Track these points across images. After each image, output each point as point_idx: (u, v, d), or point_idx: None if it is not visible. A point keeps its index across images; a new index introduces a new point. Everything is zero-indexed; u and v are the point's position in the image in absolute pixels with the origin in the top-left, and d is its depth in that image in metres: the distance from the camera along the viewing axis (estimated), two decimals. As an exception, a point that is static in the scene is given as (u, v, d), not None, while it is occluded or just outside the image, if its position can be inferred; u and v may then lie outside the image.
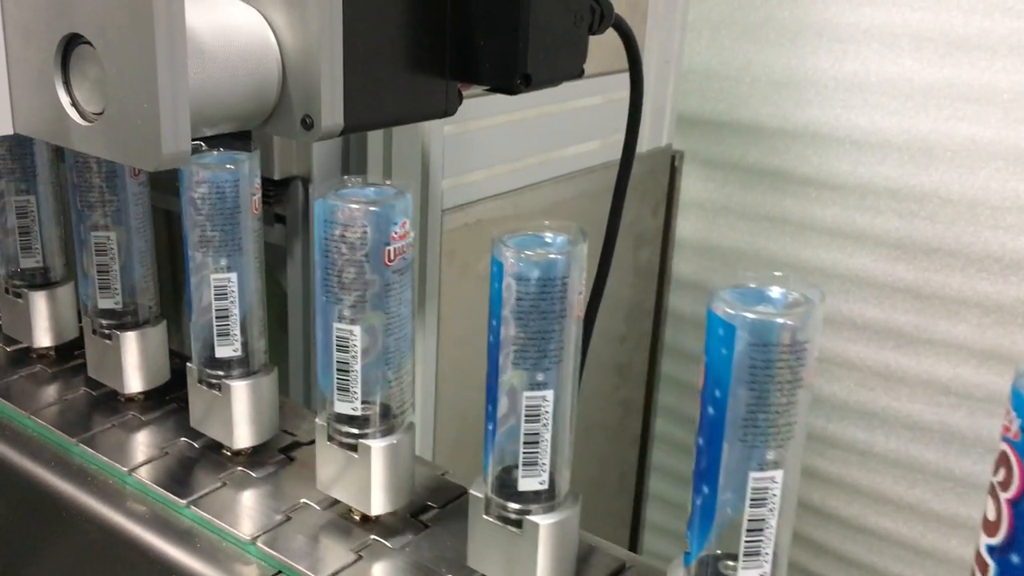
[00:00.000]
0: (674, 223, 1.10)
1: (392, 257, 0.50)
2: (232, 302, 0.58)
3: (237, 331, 0.59)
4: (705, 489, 0.41)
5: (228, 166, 0.57)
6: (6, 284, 0.71)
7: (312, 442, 0.61)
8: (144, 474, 0.59)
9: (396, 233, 0.50)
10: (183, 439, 0.62)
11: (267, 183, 0.72)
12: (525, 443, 0.46)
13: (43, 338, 0.70)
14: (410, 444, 0.55)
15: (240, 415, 0.59)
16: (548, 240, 0.46)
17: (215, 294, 0.57)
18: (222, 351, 0.59)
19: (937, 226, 0.91)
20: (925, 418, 0.96)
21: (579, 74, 0.58)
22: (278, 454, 0.61)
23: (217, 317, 0.58)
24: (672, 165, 1.07)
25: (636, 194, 0.95)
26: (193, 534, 0.55)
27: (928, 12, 0.88)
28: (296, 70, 0.49)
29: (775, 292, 0.40)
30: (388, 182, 0.51)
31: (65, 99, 0.46)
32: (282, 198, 0.74)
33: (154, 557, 0.54)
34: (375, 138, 0.72)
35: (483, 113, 0.80)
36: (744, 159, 1.03)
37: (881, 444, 1.00)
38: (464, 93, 0.57)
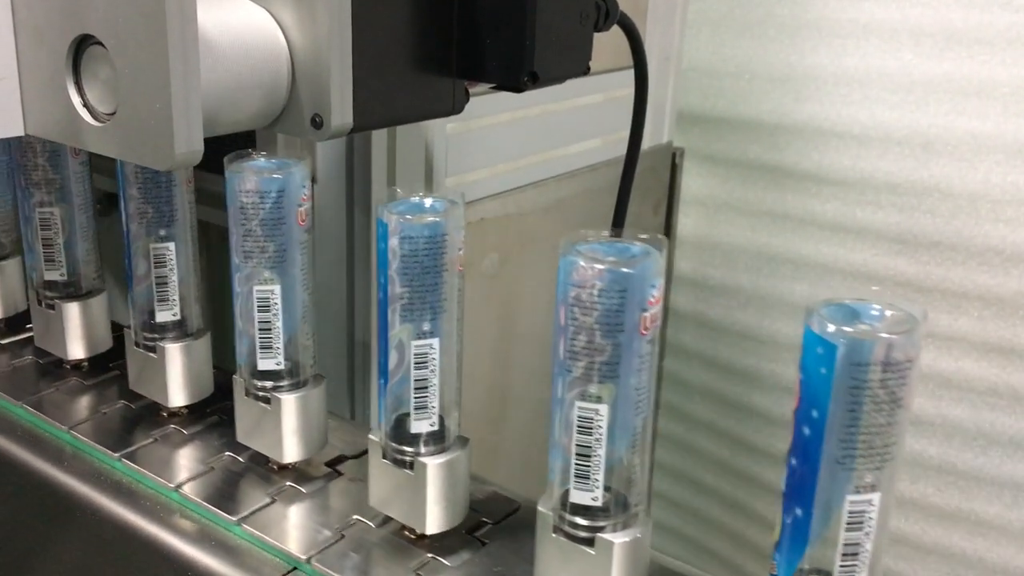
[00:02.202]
0: (675, 220, 1.10)
1: (648, 325, 0.43)
2: (432, 371, 0.51)
3: (436, 404, 0.52)
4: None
5: (430, 218, 0.48)
6: (136, 337, 0.65)
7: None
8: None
9: (653, 297, 0.43)
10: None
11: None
12: (844, 554, 0.40)
13: (177, 396, 0.65)
14: (649, 538, 0.47)
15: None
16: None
17: (415, 362, 0.50)
18: (417, 427, 0.52)
19: (938, 220, 0.91)
20: (927, 412, 0.97)
21: (585, 71, 0.59)
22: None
23: (416, 388, 0.51)
24: (673, 162, 1.07)
25: (637, 191, 0.95)
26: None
27: (927, 7, 0.88)
28: (305, 69, 0.49)
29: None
30: (642, 236, 0.44)
31: (77, 100, 0.46)
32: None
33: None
34: (379, 137, 0.72)
35: (486, 111, 0.80)
36: (744, 155, 1.04)
37: (884, 438, 1.00)
38: (469, 91, 0.58)
